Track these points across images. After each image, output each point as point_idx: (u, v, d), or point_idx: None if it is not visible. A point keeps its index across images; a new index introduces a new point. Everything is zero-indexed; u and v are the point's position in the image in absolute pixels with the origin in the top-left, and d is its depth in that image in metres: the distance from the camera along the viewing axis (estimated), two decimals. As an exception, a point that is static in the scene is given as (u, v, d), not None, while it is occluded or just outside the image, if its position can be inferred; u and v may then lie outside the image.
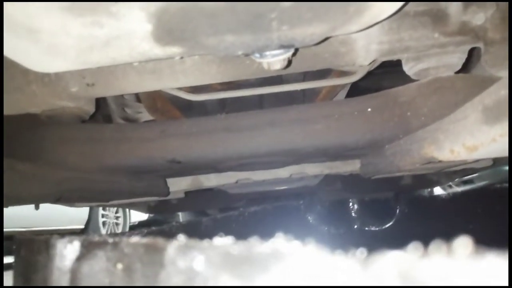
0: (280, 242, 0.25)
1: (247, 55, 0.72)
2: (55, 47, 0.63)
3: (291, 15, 0.60)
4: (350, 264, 0.22)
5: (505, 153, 0.89)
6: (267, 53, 0.70)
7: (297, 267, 0.23)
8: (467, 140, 0.82)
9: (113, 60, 0.70)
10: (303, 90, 1.54)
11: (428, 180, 2.53)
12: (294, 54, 0.75)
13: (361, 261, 0.22)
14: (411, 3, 0.96)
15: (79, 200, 1.37)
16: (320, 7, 0.59)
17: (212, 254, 0.26)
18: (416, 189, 4.01)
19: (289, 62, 0.79)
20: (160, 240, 0.30)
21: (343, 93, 1.57)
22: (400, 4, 0.66)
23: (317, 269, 0.23)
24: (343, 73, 1.30)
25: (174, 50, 0.67)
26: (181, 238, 0.29)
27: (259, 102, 1.63)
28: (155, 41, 0.63)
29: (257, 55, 0.71)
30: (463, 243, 0.23)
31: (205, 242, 0.27)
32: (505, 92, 0.71)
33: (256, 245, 0.25)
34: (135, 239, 0.33)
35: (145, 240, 0.32)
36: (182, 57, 0.71)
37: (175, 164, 1.17)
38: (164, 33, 0.62)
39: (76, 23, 0.58)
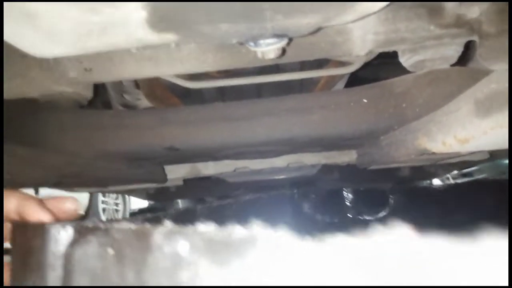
0: (256, 229, 0.26)
1: (241, 43, 0.73)
2: (54, 32, 0.64)
3: (285, 5, 0.61)
4: (306, 246, 0.24)
5: (497, 146, 0.90)
6: (261, 42, 0.71)
7: (268, 252, 0.25)
8: (459, 132, 0.84)
9: (110, 46, 0.71)
10: (301, 80, 1.55)
11: (426, 172, 2.54)
12: (288, 44, 0.76)
13: (315, 243, 0.24)
14: (408, -6, 0.97)
15: (78, 185, 1.39)
16: (313, -3, 0.59)
17: (195, 239, 0.27)
18: (414, 181, 4.04)
19: (284, 51, 0.80)
20: (147, 226, 0.31)
21: (342, 83, 1.58)
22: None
23: (284, 252, 0.24)
24: (341, 64, 1.30)
25: (169, 37, 0.68)
26: (167, 224, 0.30)
27: (257, 91, 1.64)
28: (150, 27, 0.64)
29: (252, 43, 0.72)
30: (401, 227, 0.24)
31: (189, 228, 0.28)
32: (495, 85, 0.72)
33: (235, 232, 0.26)
34: (124, 225, 0.35)
35: (133, 226, 0.33)
36: (177, 44, 0.72)
37: (173, 151, 1.18)
38: (159, 20, 0.63)
39: (74, 9, 0.59)
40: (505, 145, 0.83)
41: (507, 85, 0.68)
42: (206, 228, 0.28)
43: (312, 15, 0.63)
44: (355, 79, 1.48)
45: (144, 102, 1.67)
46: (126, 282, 0.32)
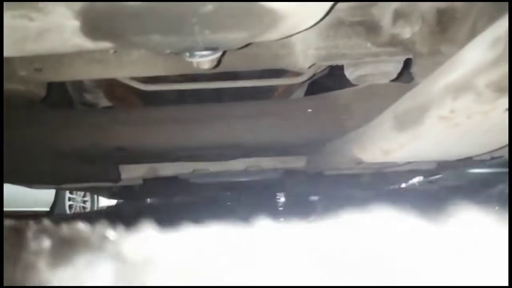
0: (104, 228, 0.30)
1: (176, 54, 0.77)
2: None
3: (211, 21, 0.65)
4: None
5: (415, 158, 0.97)
6: (196, 53, 0.76)
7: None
8: (383, 144, 0.90)
9: (48, 50, 0.73)
10: (260, 87, 1.60)
11: (386, 178, 2.63)
12: (222, 55, 0.81)
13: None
14: (347, 13, 1.03)
15: (28, 182, 1.39)
16: (237, 16, 0.64)
17: (55, 237, 0.31)
18: (375, 187, 4.14)
19: (219, 62, 0.84)
20: (21, 223, 0.35)
21: (301, 91, 1.63)
22: (318, 18, 0.72)
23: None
24: (298, 74, 1.36)
25: (105, 44, 0.71)
26: (44, 222, 0.34)
27: (217, 95, 1.68)
28: (85, 35, 0.68)
29: (187, 54, 0.76)
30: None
31: (53, 227, 0.32)
32: (411, 102, 0.78)
33: (82, 230, 0.30)
34: (6, 222, 0.38)
35: (10, 222, 0.37)
36: (115, 51, 0.76)
37: (123, 151, 1.21)
38: (93, 29, 0.66)
39: (7, 15, 0.62)
40: (422, 157, 0.89)
41: (418, 102, 0.74)
42: (72, 227, 0.32)
43: (238, 31, 0.68)
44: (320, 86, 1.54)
45: (104, 101, 1.69)
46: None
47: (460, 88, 0.61)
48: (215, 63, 0.80)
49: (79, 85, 1.59)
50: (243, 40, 0.72)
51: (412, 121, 0.77)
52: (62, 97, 1.59)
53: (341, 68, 1.20)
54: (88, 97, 1.71)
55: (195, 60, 0.77)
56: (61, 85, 1.49)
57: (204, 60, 0.76)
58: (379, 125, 0.90)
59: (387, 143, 0.87)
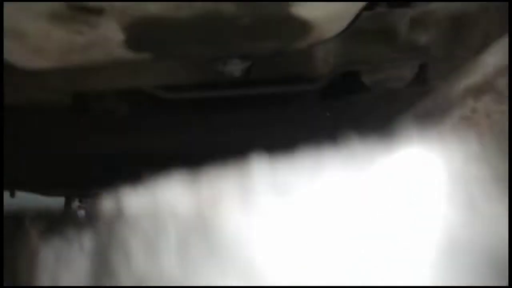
0: None
1: (211, 63, 0.82)
2: (40, 49, 0.72)
3: (246, 32, 0.70)
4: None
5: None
6: (228, 62, 0.80)
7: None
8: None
9: (91, 62, 0.78)
10: (274, 93, 1.64)
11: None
12: (252, 64, 0.86)
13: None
14: (365, 21, 1.07)
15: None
16: (270, 27, 0.69)
17: None
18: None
19: (249, 71, 0.89)
20: None
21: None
22: (343, 26, 0.76)
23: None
24: (312, 80, 1.40)
25: (144, 55, 0.76)
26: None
27: (230, 103, 1.72)
28: (128, 47, 0.73)
29: (219, 63, 0.81)
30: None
31: None
32: (432, 103, 0.83)
33: None
34: None
35: None
36: (152, 61, 0.81)
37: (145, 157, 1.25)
38: (136, 42, 0.71)
39: (60, 30, 0.67)
40: None
41: (438, 104, 0.78)
42: None
43: (270, 41, 0.73)
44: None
45: (124, 107, 1.73)
46: None
47: (481, 89, 0.65)
48: (245, 71, 0.85)
49: (98, 92, 1.64)
50: (274, 49, 0.76)
51: (433, 122, 0.81)
52: (81, 104, 1.63)
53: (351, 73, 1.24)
54: (107, 103, 1.75)
55: (228, 68, 0.81)
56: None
57: (235, 69, 0.81)
58: None
59: None
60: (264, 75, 1.19)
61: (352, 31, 1.10)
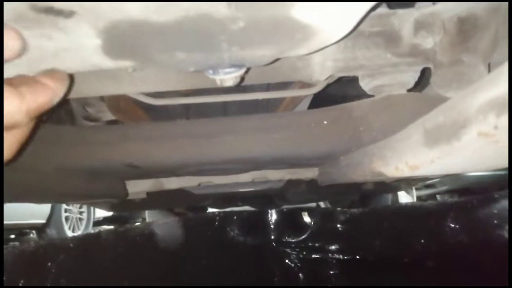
0: None
1: (199, 71, 0.73)
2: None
3: (240, 37, 0.62)
4: None
5: (444, 173, 0.94)
6: (220, 70, 0.72)
7: None
8: (410, 159, 0.87)
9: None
10: (267, 99, 1.57)
11: (388, 185, 2.61)
12: (246, 72, 0.78)
13: None
14: (366, 24, 1.00)
15: (33, 201, 1.35)
16: (268, 32, 0.61)
17: None
18: (377, 194, 4.13)
19: (242, 79, 0.81)
20: None
21: (307, 101, 1.61)
22: (346, 32, 0.69)
23: None
24: (305, 84, 1.33)
25: (126, 63, 0.68)
26: None
27: (223, 108, 1.64)
28: (105, 54, 0.64)
29: (210, 71, 0.73)
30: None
31: None
32: (443, 118, 0.75)
33: None
34: None
35: None
36: (134, 70, 0.72)
37: (133, 168, 1.17)
38: (115, 48, 0.62)
39: (25, 34, 0.58)
40: (451, 171, 0.86)
41: (453, 118, 0.71)
42: None
43: (267, 47, 0.65)
44: (323, 97, 1.51)
45: (108, 115, 1.65)
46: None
47: (506, 104, 0.58)
48: (238, 79, 0.77)
49: (82, 99, 1.55)
50: (272, 56, 0.68)
51: (446, 137, 0.74)
52: (64, 111, 1.54)
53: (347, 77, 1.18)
54: (91, 111, 1.66)
55: (218, 77, 0.73)
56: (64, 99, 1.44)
57: (228, 77, 0.73)
58: (405, 139, 0.87)
59: (414, 159, 0.84)
60: (254, 81, 1.11)
61: (352, 35, 1.03)
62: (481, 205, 1.63)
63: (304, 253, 1.76)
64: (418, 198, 7.06)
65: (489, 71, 1.09)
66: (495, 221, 1.56)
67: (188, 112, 1.66)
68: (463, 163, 0.84)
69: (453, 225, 1.62)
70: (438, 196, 7.17)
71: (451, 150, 0.74)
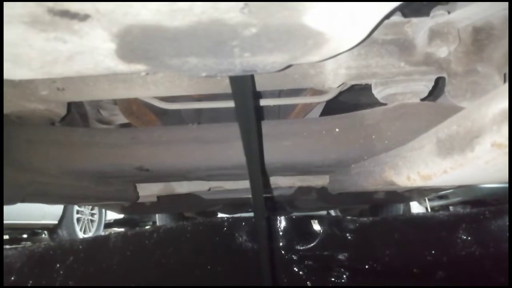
0: None
1: (211, 76, 0.74)
2: (19, 57, 0.64)
3: (252, 43, 0.62)
4: None
5: (457, 184, 0.92)
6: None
7: None
8: (422, 169, 0.85)
9: (78, 73, 0.70)
10: (279, 105, 1.57)
11: (400, 195, 2.59)
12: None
13: None
14: (379, 31, 0.99)
15: (44, 202, 1.36)
16: (279, 38, 0.61)
17: None
18: (389, 203, 4.09)
19: (253, 84, 0.81)
20: None
21: (319, 108, 1.60)
22: (359, 40, 0.68)
23: None
24: (317, 91, 1.33)
25: (138, 67, 0.68)
26: None
27: (235, 114, 1.65)
28: (119, 58, 0.65)
29: (222, 76, 0.73)
30: None
31: None
32: (456, 127, 0.74)
33: None
34: None
35: None
36: (147, 74, 0.73)
37: (143, 171, 1.17)
38: (128, 52, 0.63)
39: (39, 37, 0.59)
40: (464, 182, 0.85)
41: (466, 128, 0.70)
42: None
43: (278, 54, 0.65)
44: (335, 104, 1.51)
45: (120, 118, 1.66)
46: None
47: None
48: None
49: (95, 102, 1.57)
50: (283, 63, 0.68)
51: (459, 147, 0.73)
52: (77, 113, 1.56)
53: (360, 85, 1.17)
54: (104, 114, 1.68)
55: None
56: (78, 102, 1.46)
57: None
58: (417, 149, 0.86)
59: (427, 169, 0.83)
60: (266, 88, 1.11)
61: (365, 42, 1.03)
62: (493, 217, 1.60)
63: (313, 261, 1.74)
64: (431, 208, 6.97)
65: (504, 81, 1.07)
66: (507, 233, 1.53)
67: (199, 117, 1.67)
68: (476, 174, 0.83)
69: (464, 237, 1.60)
70: (451, 207, 7.07)
71: (464, 161, 0.73)
